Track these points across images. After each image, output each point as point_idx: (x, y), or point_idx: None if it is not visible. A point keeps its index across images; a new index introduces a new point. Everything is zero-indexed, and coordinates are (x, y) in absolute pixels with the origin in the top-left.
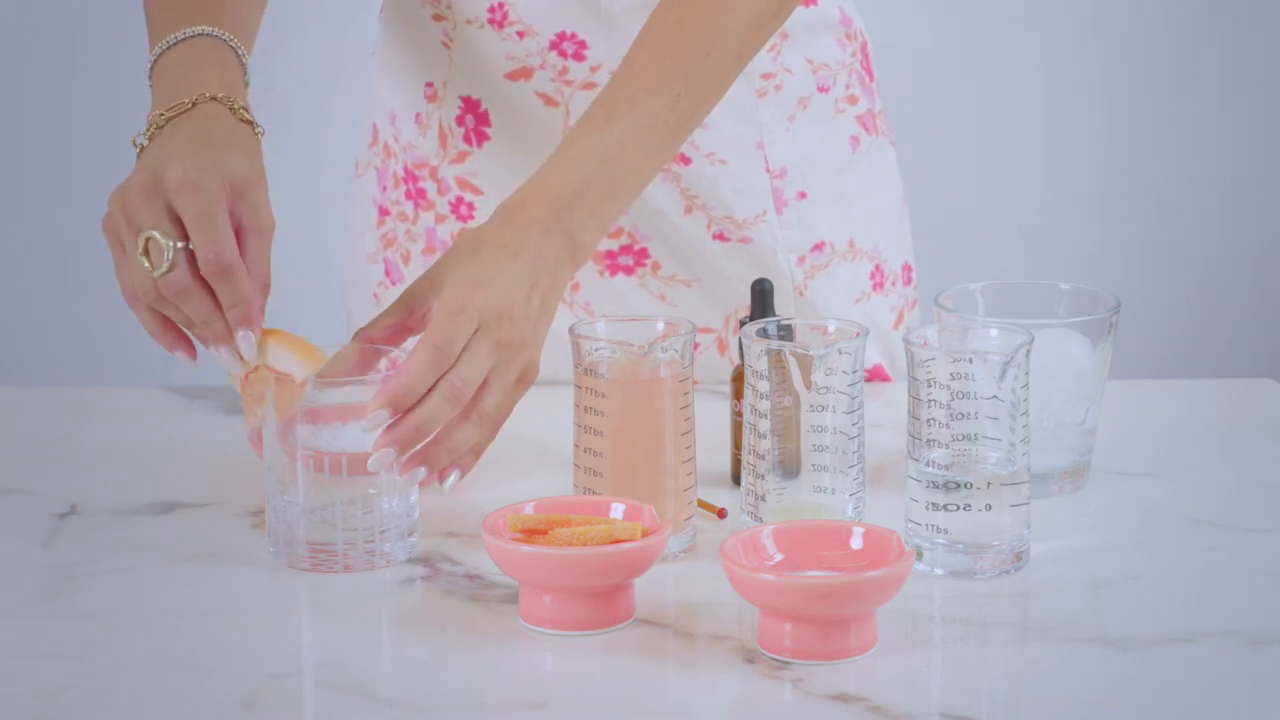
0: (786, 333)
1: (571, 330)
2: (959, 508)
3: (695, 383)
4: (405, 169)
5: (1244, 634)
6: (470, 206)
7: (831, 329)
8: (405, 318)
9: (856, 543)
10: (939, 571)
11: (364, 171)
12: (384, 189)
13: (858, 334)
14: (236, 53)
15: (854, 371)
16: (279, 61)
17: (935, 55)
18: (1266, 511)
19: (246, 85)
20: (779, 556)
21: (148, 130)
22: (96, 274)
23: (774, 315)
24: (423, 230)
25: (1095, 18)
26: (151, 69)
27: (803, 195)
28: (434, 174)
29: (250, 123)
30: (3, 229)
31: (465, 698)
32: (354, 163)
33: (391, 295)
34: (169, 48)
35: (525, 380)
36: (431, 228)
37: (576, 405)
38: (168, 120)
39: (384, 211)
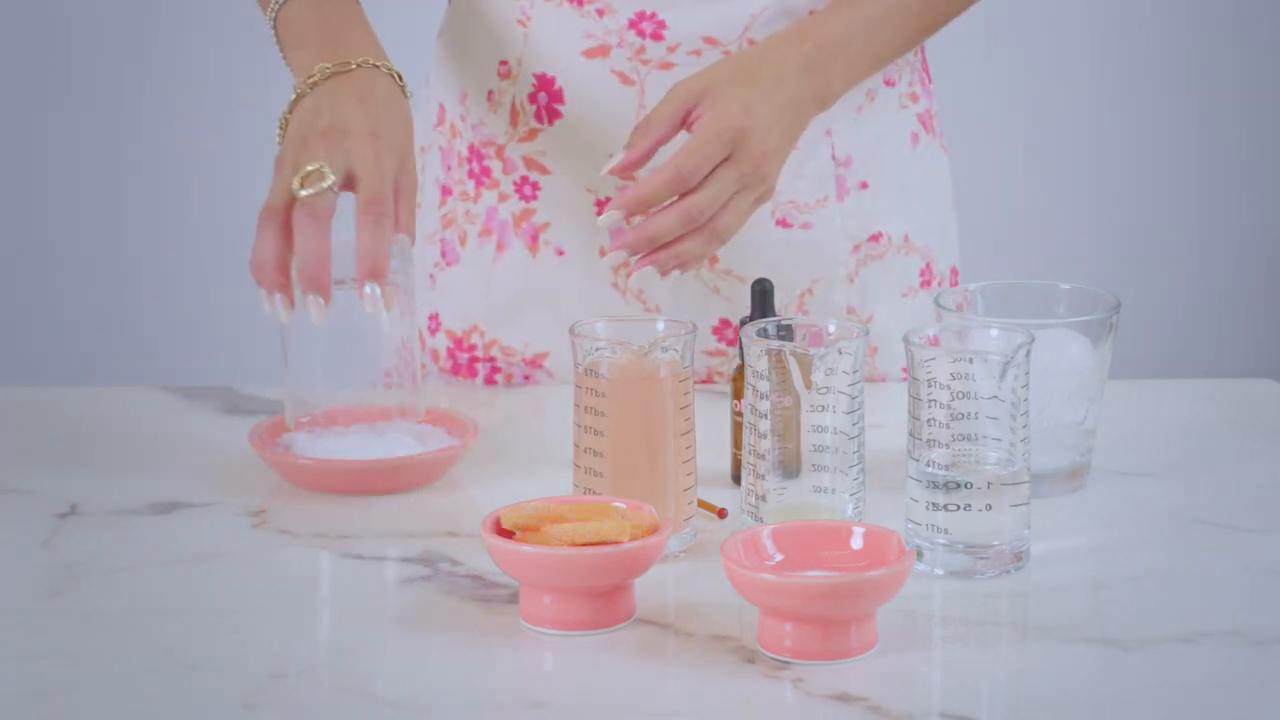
0: (786, 333)
1: (571, 330)
2: (959, 508)
3: (709, 380)
4: (470, 148)
5: (1244, 634)
6: (535, 186)
7: (832, 329)
8: (683, 112)
9: (856, 543)
10: (939, 571)
11: (427, 151)
12: (448, 169)
13: (858, 334)
14: (363, 10)
15: (854, 371)
16: None
17: (933, 56)
18: (1266, 511)
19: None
20: (779, 556)
21: (305, 79)
22: (97, 273)
23: (774, 315)
24: (483, 210)
25: (1096, 18)
26: (276, 15)
27: (864, 185)
28: (500, 153)
29: (400, 79)
30: (3, 229)
31: (465, 698)
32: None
33: (447, 277)
34: None
35: (760, 202)
36: (493, 207)
37: (576, 405)
38: (327, 77)
39: (446, 191)
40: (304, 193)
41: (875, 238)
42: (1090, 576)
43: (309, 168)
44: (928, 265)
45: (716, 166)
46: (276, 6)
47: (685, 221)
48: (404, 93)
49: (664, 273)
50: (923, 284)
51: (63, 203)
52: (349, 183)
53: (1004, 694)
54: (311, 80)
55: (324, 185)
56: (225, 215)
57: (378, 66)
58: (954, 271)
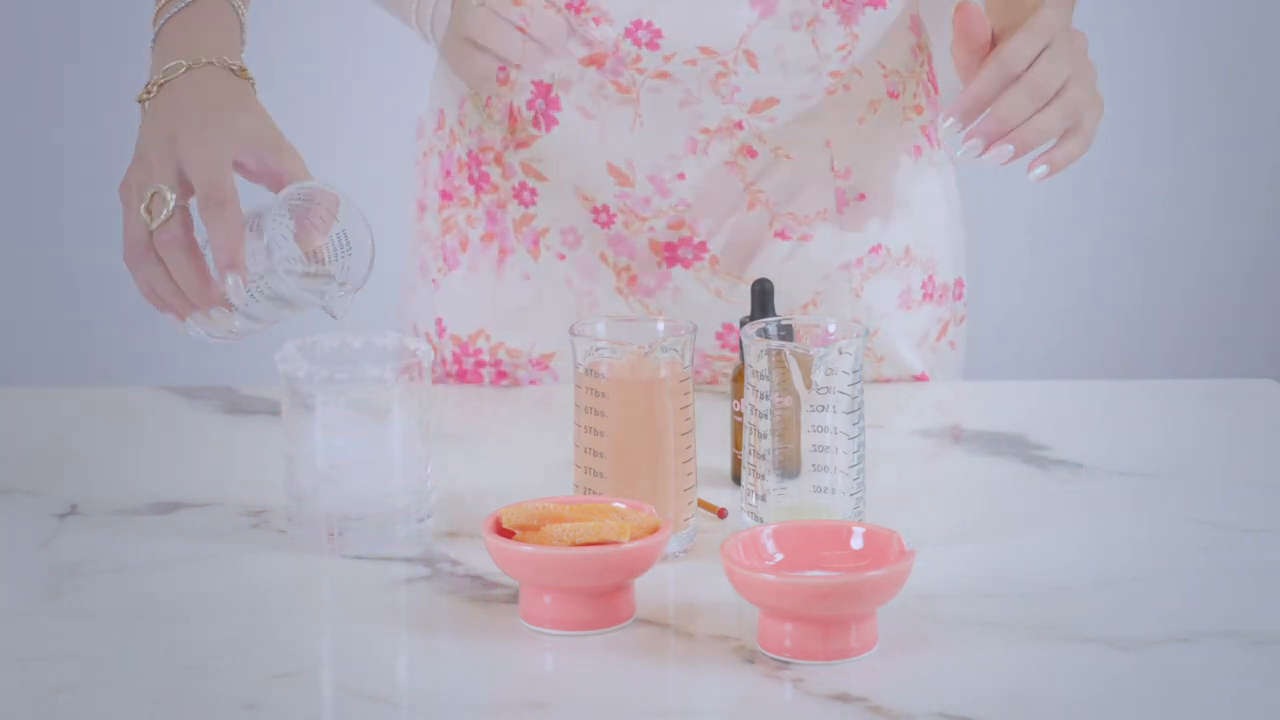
0: (786, 333)
1: (571, 330)
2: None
3: (714, 381)
4: (469, 153)
5: (1244, 634)
6: (533, 192)
7: (831, 329)
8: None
9: (856, 543)
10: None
11: (429, 157)
12: (447, 174)
13: (858, 334)
14: (236, 12)
15: (854, 371)
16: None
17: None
18: (1266, 511)
19: (243, 44)
20: (779, 556)
21: (146, 92)
22: (96, 273)
23: (774, 315)
24: (483, 214)
25: (1095, 17)
26: (157, 34)
27: (862, 197)
28: (499, 158)
29: (243, 73)
30: (3, 229)
31: (465, 698)
32: (416, 147)
33: (449, 281)
34: (176, 13)
35: (1091, 87)
36: (492, 211)
37: (576, 405)
38: (161, 85)
39: (446, 196)
40: (154, 225)
41: (875, 250)
42: (1090, 576)
43: (150, 191)
44: (930, 277)
45: (1043, 51)
46: (157, 27)
47: (1031, 92)
48: (244, 74)
49: (1022, 150)
50: (925, 296)
51: (62, 202)
52: (187, 187)
53: (1004, 694)
54: (149, 94)
55: (168, 210)
56: None
57: (210, 64)
58: (959, 283)
